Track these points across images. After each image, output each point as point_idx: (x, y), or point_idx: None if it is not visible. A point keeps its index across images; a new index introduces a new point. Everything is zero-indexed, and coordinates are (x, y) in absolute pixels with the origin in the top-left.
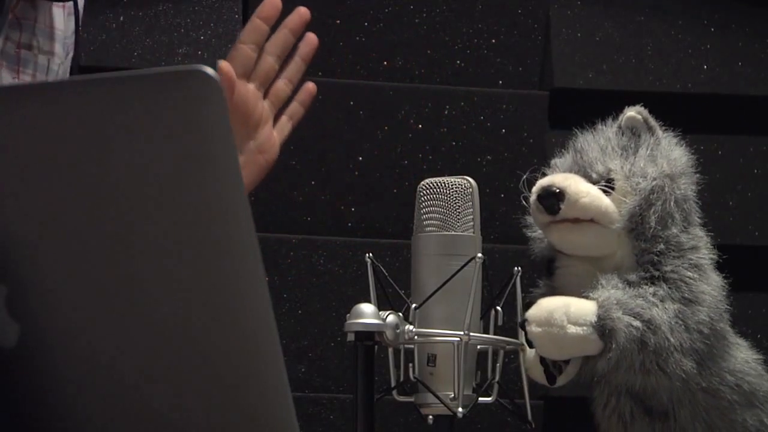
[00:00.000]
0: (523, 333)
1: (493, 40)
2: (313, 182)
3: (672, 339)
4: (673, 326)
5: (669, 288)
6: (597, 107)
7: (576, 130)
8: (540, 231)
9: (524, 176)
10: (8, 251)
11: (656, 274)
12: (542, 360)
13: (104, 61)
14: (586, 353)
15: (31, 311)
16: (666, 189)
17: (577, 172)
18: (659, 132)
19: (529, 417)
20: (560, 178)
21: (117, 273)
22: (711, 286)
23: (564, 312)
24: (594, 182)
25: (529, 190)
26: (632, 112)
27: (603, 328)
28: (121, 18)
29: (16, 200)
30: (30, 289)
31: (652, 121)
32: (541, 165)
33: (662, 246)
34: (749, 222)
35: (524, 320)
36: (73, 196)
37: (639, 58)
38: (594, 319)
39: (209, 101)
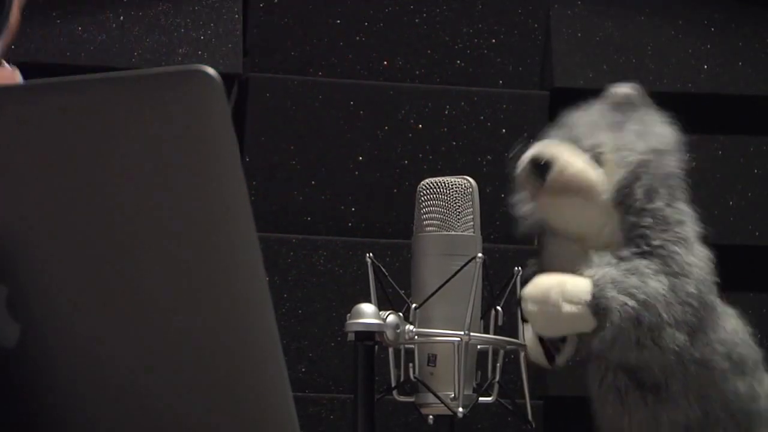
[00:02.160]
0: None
1: (493, 40)
2: (313, 182)
3: (665, 315)
4: (666, 301)
5: (660, 261)
6: None
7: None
8: (527, 207)
9: (513, 151)
10: (8, 251)
11: (646, 249)
12: (541, 340)
13: (104, 61)
14: (580, 331)
15: (31, 311)
16: (653, 163)
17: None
18: (647, 109)
19: (530, 417)
20: (549, 147)
21: (117, 273)
22: (698, 258)
23: (560, 290)
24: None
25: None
26: (623, 88)
27: (597, 306)
28: (121, 18)
29: (17, 200)
30: (30, 289)
31: (641, 98)
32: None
33: (650, 220)
34: (749, 222)
35: (519, 297)
36: (73, 195)
37: (639, 58)
38: (588, 297)
39: (209, 101)
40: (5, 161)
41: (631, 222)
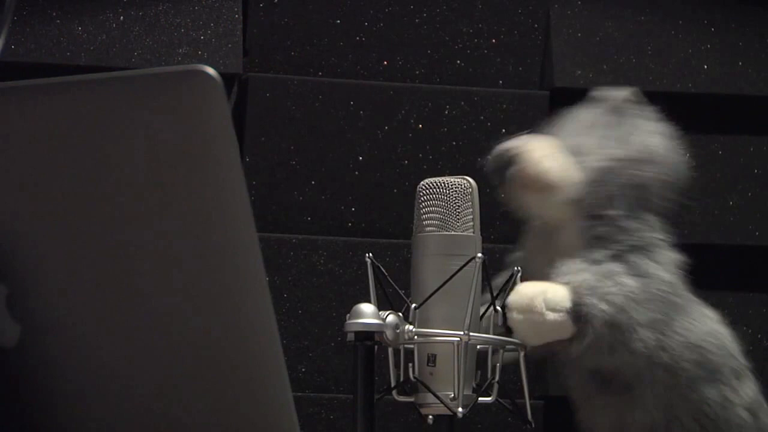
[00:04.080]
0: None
1: (493, 40)
2: (313, 182)
3: (636, 316)
4: (637, 300)
5: (627, 264)
6: None
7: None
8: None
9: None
10: (8, 251)
11: (613, 252)
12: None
13: (104, 61)
14: (560, 338)
15: (31, 311)
16: (624, 171)
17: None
18: (644, 115)
19: (529, 417)
20: (524, 141)
21: (117, 273)
22: (660, 263)
23: (542, 299)
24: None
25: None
26: (620, 93)
27: (578, 313)
28: (121, 18)
29: (16, 200)
30: (30, 289)
31: (637, 106)
32: None
33: (605, 228)
34: (749, 222)
35: (503, 306)
36: (73, 196)
37: (639, 58)
38: (568, 304)
39: (209, 101)
40: (5, 161)
41: (585, 226)
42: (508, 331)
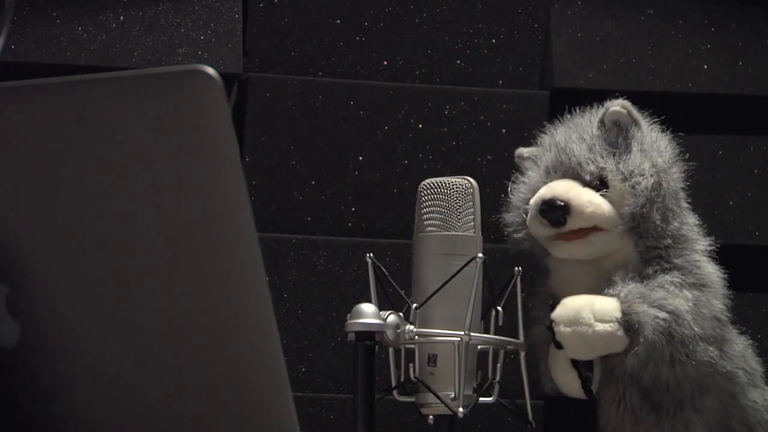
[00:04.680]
0: (543, 335)
1: (493, 40)
2: (313, 182)
3: (696, 328)
4: (694, 315)
5: (683, 275)
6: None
7: (548, 125)
8: (522, 234)
9: (510, 184)
10: (8, 251)
11: (666, 266)
12: (579, 374)
13: (104, 61)
14: (612, 351)
15: (31, 311)
16: (663, 184)
17: (565, 173)
18: (644, 124)
19: (530, 417)
20: (561, 189)
21: (117, 273)
22: (716, 274)
23: (590, 310)
24: (586, 183)
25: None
26: (616, 107)
27: (629, 322)
28: (121, 18)
29: (16, 200)
30: (30, 289)
31: (636, 114)
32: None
33: (669, 241)
34: (749, 222)
35: (551, 321)
36: (73, 196)
37: (639, 58)
38: (619, 314)
39: (209, 101)
40: (5, 161)
41: (648, 245)
42: (557, 346)
